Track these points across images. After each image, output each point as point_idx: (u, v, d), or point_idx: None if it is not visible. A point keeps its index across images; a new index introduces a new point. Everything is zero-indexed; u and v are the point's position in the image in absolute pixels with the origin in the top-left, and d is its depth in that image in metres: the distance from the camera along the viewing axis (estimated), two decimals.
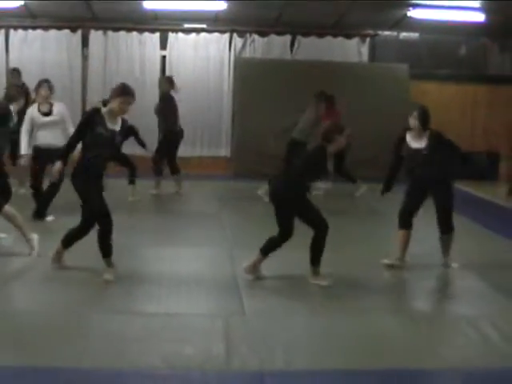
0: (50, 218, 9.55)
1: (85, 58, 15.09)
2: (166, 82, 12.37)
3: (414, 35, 15.78)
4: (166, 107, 12.11)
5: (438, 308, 6.64)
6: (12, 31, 14.82)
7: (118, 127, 7.05)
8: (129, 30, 15.13)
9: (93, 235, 7.10)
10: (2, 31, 14.80)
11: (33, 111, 9.61)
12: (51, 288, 6.79)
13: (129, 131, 8.93)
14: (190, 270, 7.58)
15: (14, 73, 12.98)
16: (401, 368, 5.15)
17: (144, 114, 13.09)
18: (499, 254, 8.77)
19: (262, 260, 7.21)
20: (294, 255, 7.49)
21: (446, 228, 7.82)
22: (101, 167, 7.10)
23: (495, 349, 5.55)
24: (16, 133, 9.24)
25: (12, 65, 14.00)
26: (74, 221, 7.18)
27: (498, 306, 6.71)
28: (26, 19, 14.65)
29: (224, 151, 15.39)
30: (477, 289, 7.26)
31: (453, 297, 6.98)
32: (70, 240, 7.24)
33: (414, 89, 14.97)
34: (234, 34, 15.34)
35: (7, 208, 7.93)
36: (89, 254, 7.32)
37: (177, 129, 12.32)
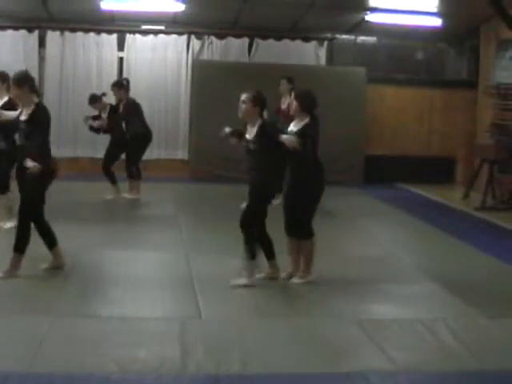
0: None
1: (42, 58, 14.91)
2: (122, 88, 12.09)
3: (372, 39, 15.86)
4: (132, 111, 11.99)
5: (393, 311, 6.63)
6: None
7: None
8: (86, 30, 14.97)
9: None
10: None
11: None
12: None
13: None
14: (145, 274, 7.52)
15: None
16: (353, 371, 5.13)
17: None
18: (455, 257, 8.84)
19: None
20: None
21: None
22: None
23: (450, 352, 5.57)
24: None
25: None
26: None
27: (453, 309, 6.74)
28: None
29: (181, 153, 15.31)
30: (432, 292, 7.29)
31: (407, 300, 6.99)
32: None
33: (371, 92, 15.05)
34: (192, 36, 15.28)
35: None
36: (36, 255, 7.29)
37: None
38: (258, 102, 7.00)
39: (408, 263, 8.43)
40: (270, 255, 7.27)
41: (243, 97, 7.00)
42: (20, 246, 7.08)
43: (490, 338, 5.94)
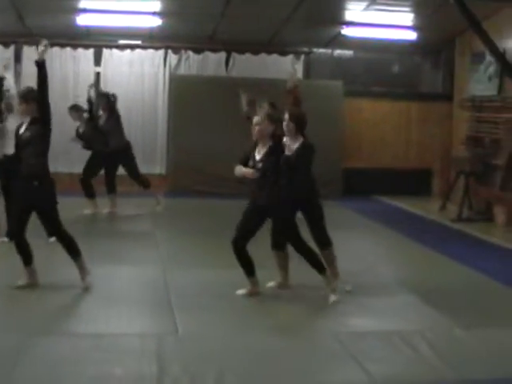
0: None
1: (18, 74, 14.86)
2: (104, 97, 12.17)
3: (349, 53, 15.93)
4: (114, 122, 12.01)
5: (370, 323, 6.64)
6: None
7: None
8: (62, 45, 14.94)
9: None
10: None
11: None
12: None
13: None
14: (122, 289, 7.49)
15: None
16: None
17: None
18: (432, 269, 8.87)
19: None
20: (227, 272, 7.47)
21: None
22: None
23: (427, 364, 5.59)
24: None
25: None
26: None
27: (430, 320, 6.77)
28: None
29: (159, 168, 15.30)
30: (409, 303, 7.32)
31: (385, 312, 7.00)
32: None
33: (348, 106, 15.10)
34: (169, 51, 15.29)
35: None
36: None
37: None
38: (272, 120, 7.04)
39: (385, 275, 8.45)
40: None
41: (255, 120, 7.01)
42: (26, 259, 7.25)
43: (466, 349, 5.98)
